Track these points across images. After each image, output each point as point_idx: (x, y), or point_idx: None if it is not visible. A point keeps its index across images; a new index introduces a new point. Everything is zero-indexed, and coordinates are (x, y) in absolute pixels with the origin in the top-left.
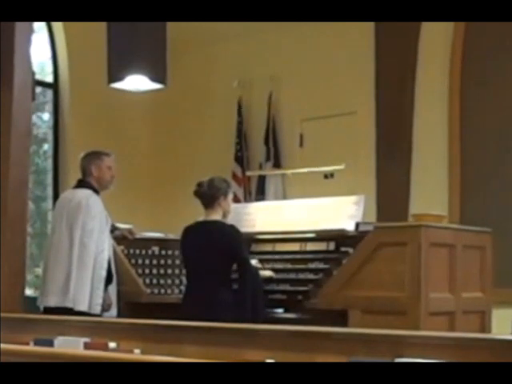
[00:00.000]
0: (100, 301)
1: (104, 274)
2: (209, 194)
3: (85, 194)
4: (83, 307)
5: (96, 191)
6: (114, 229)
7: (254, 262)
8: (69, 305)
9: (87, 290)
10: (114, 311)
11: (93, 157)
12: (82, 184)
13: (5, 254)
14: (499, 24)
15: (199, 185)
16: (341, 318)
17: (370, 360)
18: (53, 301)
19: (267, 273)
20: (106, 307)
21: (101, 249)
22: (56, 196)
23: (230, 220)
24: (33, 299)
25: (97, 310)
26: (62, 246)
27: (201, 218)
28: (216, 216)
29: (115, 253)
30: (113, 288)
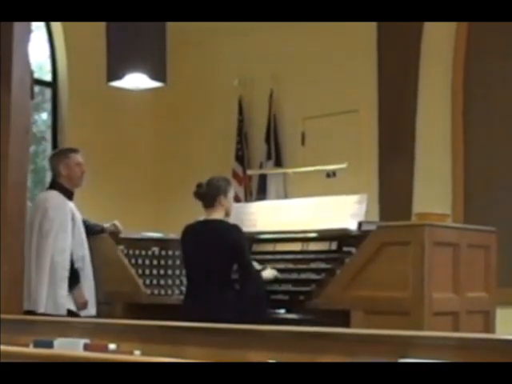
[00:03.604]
0: (62, 301)
1: (66, 273)
2: (208, 194)
3: (45, 196)
4: (41, 309)
5: (66, 191)
6: (101, 230)
7: (253, 263)
8: (31, 308)
9: (43, 292)
10: (91, 310)
11: (60, 156)
12: (51, 185)
13: (4, 254)
14: (502, 24)
15: (198, 186)
16: (343, 318)
17: (373, 361)
18: (24, 305)
19: (271, 274)
20: (80, 306)
21: (60, 248)
22: None
23: (230, 219)
24: None
25: (62, 310)
26: (26, 250)
27: (202, 217)
28: (218, 215)
29: (113, 252)
30: (90, 286)
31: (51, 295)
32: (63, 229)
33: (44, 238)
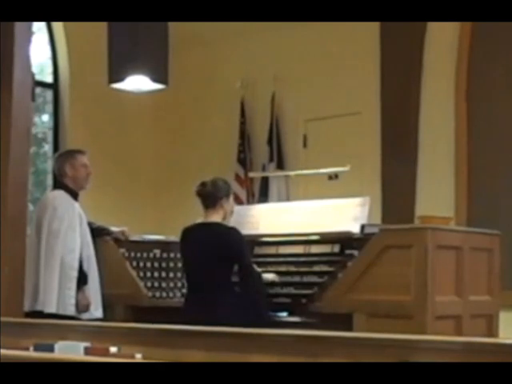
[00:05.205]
0: (72, 301)
1: (75, 274)
2: (212, 194)
3: (53, 195)
4: (51, 309)
5: (71, 192)
6: (107, 232)
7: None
8: (38, 308)
9: (54, 292)
10: (97, 312)
11: (66, 156)
12: (56, 185)
13: (5, 256)
14: (505, 24)
15: (203, 184)
16: (346, 321)
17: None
18: (26, 305)
19: (270, 276)
20: (82, 308)
21: (70, 248)
22: None
23: (232, 222)
24: None
25: (69, 310)
26: (31, 250)
27: (199, 220)
28: (216, 217)
29: (114, 255)
30: (95, 288)
31: (61, 296)
32: (72, 228)
33: (54, 238)
